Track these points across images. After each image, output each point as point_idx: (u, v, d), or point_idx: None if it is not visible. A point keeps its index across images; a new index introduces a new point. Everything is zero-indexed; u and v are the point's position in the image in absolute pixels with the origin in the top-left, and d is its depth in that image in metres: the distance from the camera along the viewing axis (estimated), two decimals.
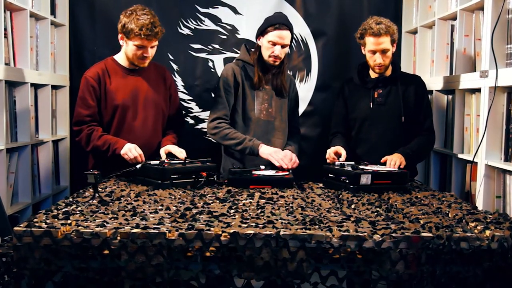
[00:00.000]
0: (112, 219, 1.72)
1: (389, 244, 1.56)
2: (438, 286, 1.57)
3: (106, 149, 2.56)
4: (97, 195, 2.03)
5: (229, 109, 2.80)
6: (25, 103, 2.95)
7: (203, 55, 3.56)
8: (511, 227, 1.67)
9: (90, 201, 2.01)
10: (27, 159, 2.97)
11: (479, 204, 2.50)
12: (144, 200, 2.05)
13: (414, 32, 3.58)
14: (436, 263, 1.56)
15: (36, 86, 3.18)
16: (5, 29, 2.73)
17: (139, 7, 2.60)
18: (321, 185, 2.54)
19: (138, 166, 2.44)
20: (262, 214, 1.83)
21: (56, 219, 1.69)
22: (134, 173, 2.45)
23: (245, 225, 1.65)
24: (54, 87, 3.43)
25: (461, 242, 1.57)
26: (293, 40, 2.84)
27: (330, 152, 2.66)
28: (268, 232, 1.57)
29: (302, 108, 3.49)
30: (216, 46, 3.56)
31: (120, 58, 2.72)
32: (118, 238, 1.55)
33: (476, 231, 1.67)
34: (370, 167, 2.46)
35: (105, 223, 1.65)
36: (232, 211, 1.88)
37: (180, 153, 2.59)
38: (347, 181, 2.31)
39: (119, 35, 2.63)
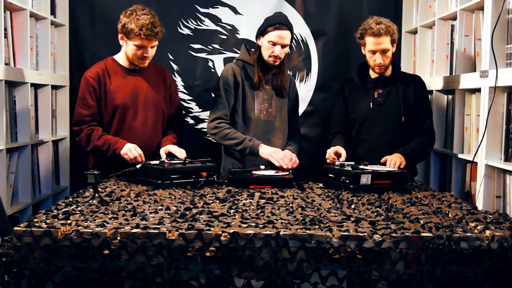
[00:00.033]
0: (112, 219, 1.72)
1: (389, 244, 1.56)
2: (438, 286, 1.57)
3: (106, 149, 2.56)
4: (97, 195, 2.03)
5: (229, 109, 2.80)
6: (25, 103, 2.95)
7: (203, 55, 3.56)
8: (511, 227, 1.67)
9: (90, 201, 2.01)
10: (27, 159, 2.97)
11: (479, 204, 2.50)
12: (144, 200, 2.05)
13: (414, 32, 3.58)
14: (436, 263, 1.56)
15: (36, 86, 3.18)
16: (5, 29, 2.73)
17: (139, 7, 2.60)
18: (321, 185, 2.54)
19: (138, 166, 2.44)
20: (262, 214, 1.83)
21: (56, 219, 1.69)
22: (134, 173, 2.45)
23: (245, 225, 1.65)
24: (54, 87, 3.43)
25: (461, 242, 1.57)
26: (293, 40, 2.84)
27: (330, 152, 2.66)
28: (268, 232, 1.57)
29: (302, 108, 3.49)
30: (216, 46, 3.56)
31: (120, 58, 2.72)
32: (118, 238, 1.55)
33: (476, 231, 1.67)
34: (370, 167, 2.46)
35: (105, 223, 1.65)
36: (232, 211, 1.88)
37: (180, 153, 2.59)
38: (347, 181, 2.31)
39: (119, 35, 2.63)
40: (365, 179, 2.29)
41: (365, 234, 1.58)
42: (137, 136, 2.66)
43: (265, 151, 2.66)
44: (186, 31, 3.53)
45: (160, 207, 1.92)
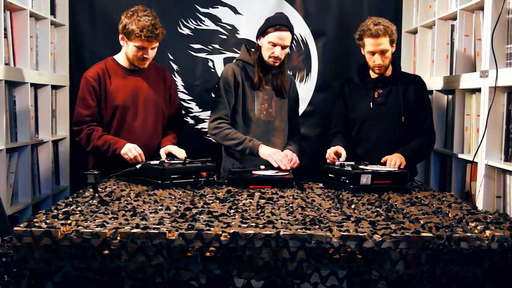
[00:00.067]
0: (112, 219, 1.72)
1: (389, 244, 1.56)
2: (438, 286, 1.57)
3: (106, 149, 2.56)
4: (97, 195, 2.03)
5: (229, 109, 2.80)
6: (25, 103, 2.95)
7: (203, 55, 3.56)
8: (511, 227, 1.67)
9: (90, 201, 2.01)
10: (27, 159, 2.97)
11: (479, 204, 2.50)
12: (144, 200, 2.05)
13: (414, 32, 3.58)
14: (436, 263, 1.56)
15: (36, 86, 3.18)
16: (5, 29, 2.73)
17: (141, 8, 2.60)
18: (321, 185, 2.54)
19: (138, 166, 2.44)
20: (262, 214, 1.83)
21: (56, 219, 1.69)
22: (134, 173, 2.45)
23: (245, 225, 1.65)
24: (54, 87, 3.43)
25: (461, 242, 1.57)
26: (293, 40, 2.84)
27: (330, 152, 2.66)
28: (268, 232, 1.57)
29: (302, 108, 3.49)
30: (216, 46, 3.56)
31: (120, 58, 2.72)
32: (118, 238, 1.55)
33: (476, 231, 1.67)
34: (370, 167, 2.46)
35: (105, 223, 1.65)
36: (232, 211, 1.88)
37: (180, 153, 2.59)
38: (347, 181, 2.31)
39: (120, 36, 2.63)
40: (365, 179, 2.29)
41: (365, 234, 1.58)
42: (137, 137, 2.66)
43: (264, 151, 2.66)
44: (186, 31, 3.53)
45: (160, 207, 1.92)
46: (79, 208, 1.87)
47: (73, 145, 3.52)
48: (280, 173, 2.51)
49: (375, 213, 1.88)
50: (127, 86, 2.69)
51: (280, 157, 2.61)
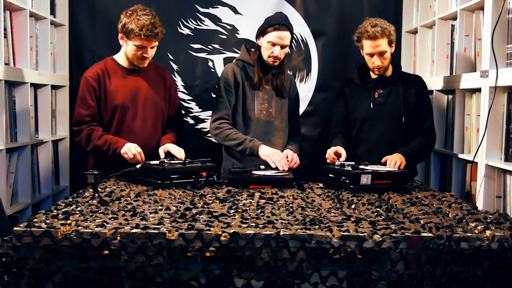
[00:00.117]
0: (112, 219, 1.72)
1: (389, 244, 1.56)
2: (438, 286, 1.57)
3: (107, 149, 2.56)
4: (97, 195, 2.03)
5: (230, 109, 2.80)
6: (25, 103, 2.95)
7: (203, 55, 3.56)
8: (511, 227, 1.67)
9: (90, 201, 2.00)
10: (27, 159, 2.97)
11: (479, 204, 2.50)
12: (144, 200, 2.05)
13: (414, 32, 3.58)
14: (436, 263, 1.56)
15: (35, 86, 3.18)
16: (5, 29, 2.73)
17: (140, 8, 2.60)
18: (321, 185, 2.54)
19: (138, 166, 2.44)
20: (262, 214, 1.82)
21: (56, 219, 1.68)
22: (134, 173, 2.45)
23: (245, 225, 1.65)
24: (54, 87, 3.42)
25: (461, 242, 1.57)
26: (293, 40, 2.84)
27: (330, 152, 2.66)
28: (268, 232, 1.57)
29: (302, 108, 3.49)
30: (216, 46, 3.56)
31: (120, 58, 2.72)
32: (118, 238, 1.55)
33: (476, 231, 1.66)
34: (370, 167, 2.46)
35: (105, 223, 1.65)
36: (232, 211, 1.88)
37: (179, 152, 2.58)
38: (347, 181, 2.31)
39: (119, 35, 2.63)
40: (365, 179, 2.29)
41: (365, 234, 1.58)
42: (136, 136, 2.66)
43: (264, 152, 2.66)
44: (186, 31, 3.53)
45: (160, 207, 1.92)
46: (79, 208, 1.87)
47: (73, 145, 3.52)
48: (280, 173, 2.50)
49: (375, 213, 1.88)
50: (127, 86, 2.69)
51: (278, 158, 2.61)
